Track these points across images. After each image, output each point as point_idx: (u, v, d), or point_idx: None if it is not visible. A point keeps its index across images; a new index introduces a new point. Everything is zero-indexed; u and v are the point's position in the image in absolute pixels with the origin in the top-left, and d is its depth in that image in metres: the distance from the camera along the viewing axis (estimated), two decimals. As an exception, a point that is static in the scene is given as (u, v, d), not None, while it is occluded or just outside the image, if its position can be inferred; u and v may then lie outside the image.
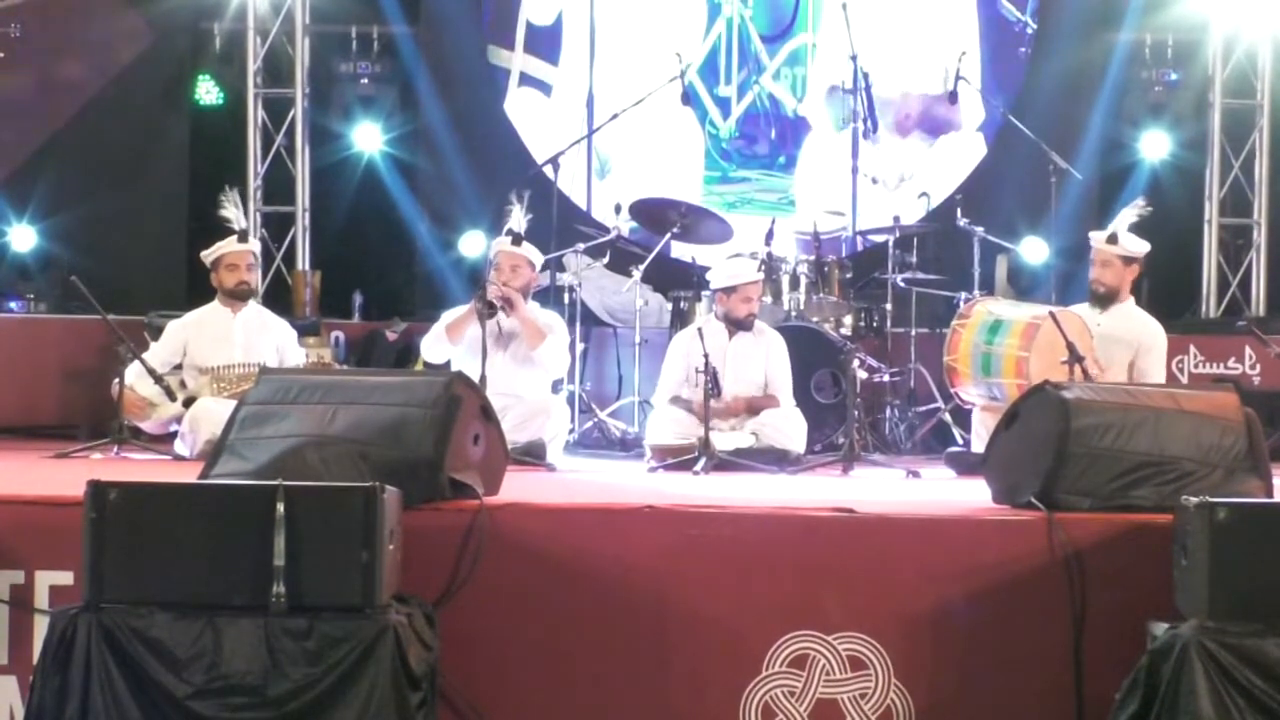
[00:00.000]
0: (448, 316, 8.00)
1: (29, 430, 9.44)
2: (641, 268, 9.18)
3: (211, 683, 4.55)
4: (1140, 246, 7.72)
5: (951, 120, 11.28)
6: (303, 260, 11.25)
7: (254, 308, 8.18)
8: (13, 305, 10.47)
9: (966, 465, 7.37)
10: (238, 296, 8.02)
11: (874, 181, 11.13)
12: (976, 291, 9.28)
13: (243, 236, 8.06)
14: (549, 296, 9.16)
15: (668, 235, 9.44)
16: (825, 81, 11.36)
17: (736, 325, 8.14)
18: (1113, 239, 7.65)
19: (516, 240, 7.97)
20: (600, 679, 5.12)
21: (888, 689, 5.11)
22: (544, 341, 7.87)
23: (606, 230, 9.79)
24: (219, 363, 7.80)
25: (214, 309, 8.09)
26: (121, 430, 7.63)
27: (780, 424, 7.93)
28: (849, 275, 9.50)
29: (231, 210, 8.07)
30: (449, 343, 7.89)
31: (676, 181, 11.27)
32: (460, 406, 5.27)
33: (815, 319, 9.03)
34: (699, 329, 7.86)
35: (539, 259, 8.14)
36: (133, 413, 7.75)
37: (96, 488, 4.62)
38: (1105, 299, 7.69)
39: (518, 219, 7.98)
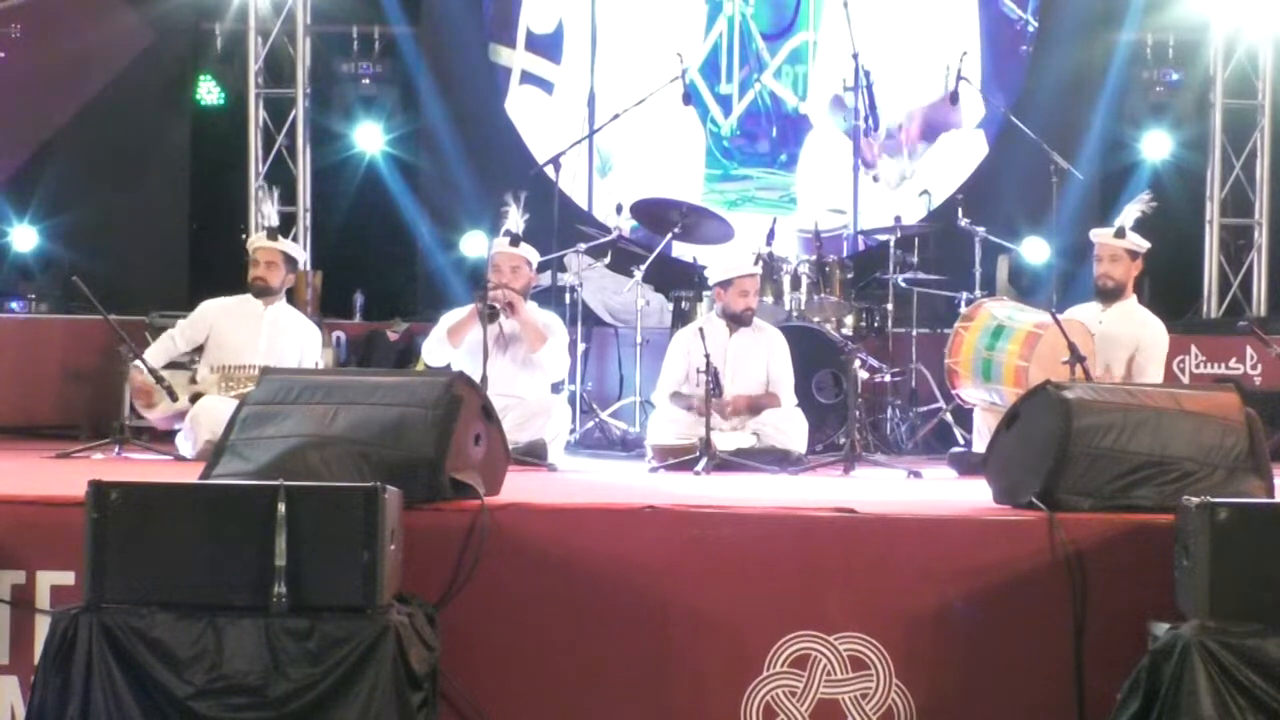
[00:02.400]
0: (448, 319, 8.00)
1: (30, 430, 9.44)
2: (643, 268, 9.18)
3: (212, 683, 4.55)
4: (1144, 242, 7.74)
5: (951, 119, 11.28)
6: (304, 260, 11.24)
7: (283, 307, 8.20)
8: (14, 305, 10.48)
9: (968, 465, 7.37)
10: (254, 293, 8.06)
11: (875, 180, 11.14)
12: (978, 292, 9.29)
13: (271, 233, 8.13)
14: (550, 297, 9.16)
15: (669, 235, 9.44)
16: (826, 79, 11.36)
17: (735, 320, 8.15)
18: (1120, 233, 7.67)
19: (514, 241, 7.98)
20: (601, 679, 5.11)
21: (889, 689, 5.11)
22: (544, 344, 7.88)
23: (608, 230, 9.80)
24: (242, 352, 7.82)
25: (248, 299, 8.12)
26: (123, 430, 7.64)
27: (781, 424, 7.94)
28: (850, 275, 9.50)
29: (267, 205, 8.28)
30: (450, 346, 7.90)
31: (678, 179, 11.29)
32: (461, 406, 5.27)
33: (816, 319, 9.03)
34: (700, 328, 7.86)
35: (536, 258, 8.16)
36: (142, 398, 7.75)
37: (98, 488, 4.62)
38: (1113, 294, 7.70)
39: (515, 220, 7.99)
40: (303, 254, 8.68)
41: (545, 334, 7.93)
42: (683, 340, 8.21)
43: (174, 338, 7.93)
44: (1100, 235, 7.79)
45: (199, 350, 7.98)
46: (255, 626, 4.55)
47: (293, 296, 10.65)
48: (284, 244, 8.24)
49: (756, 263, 8.27)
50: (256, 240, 8.15)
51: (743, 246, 9.12)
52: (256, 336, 7.95)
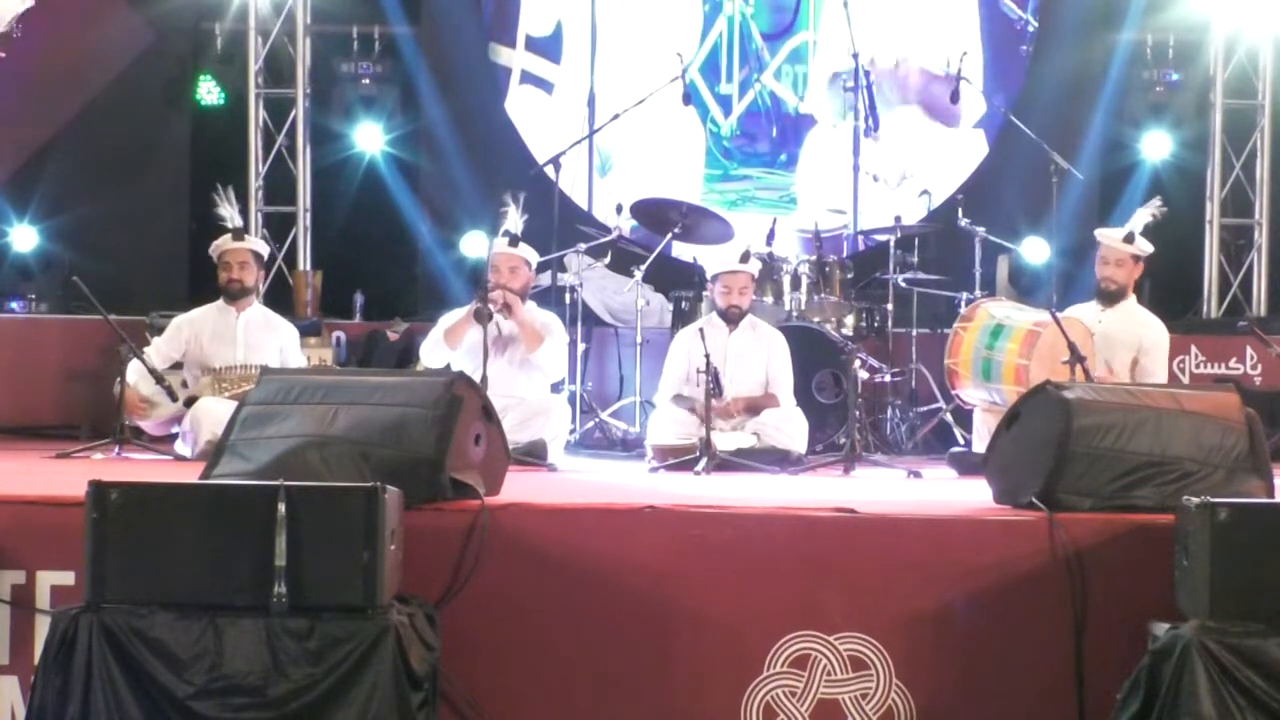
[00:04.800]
0: (445, 321, 8.00)
1: (30, 430, 9.44)
2: (643, 268, 9.18)
3: (213, 683, 4.55)
4: (1149, 247, 7.78)
5: (952, 110, 11.27)
6: (304, 260, 11.25)
7: (258, 308, 8.18)
8: (14, 305, 10.47)
9: (968, 465, 7.37)
10: (228, 295, 8.04)
11: (875, 179, 11.13)
12: (978, 292, 9.29)
13: (237, 234, 8.06)
14: (550, 297, 9.16)
15: (669, 235, 9.44)
16: (826, 79, 11.36)
17: (721, 318, 8.16)
18: (1129, 239, 7.71)
19: (513, 241, 7.98)
20: (601, 679, 5.12)
21: (889, 689, 5.11)
22: (541, 345, 7.89)
23: (608, 230, 9.80)
24: (221, 362, 7.81)
25: (219, 307, 8.09)
26: (122, 430, 7.63)
27: (781, 424, 7.94)
28: (850, 275, 9.50)
29: (226, 208, 8.08)
30: (447, 348, 7.90)
31: (677, 179, 11.28)
32: (461, 406, 5.27)
33: (816, 319, 9.03)
34: (700, 328, 7.87)
35: (535, 258, 8.16)
36: (133, 412, 7.76)
37: (98, 488, 4.62)
38: (1115, 296, 7.76)
39: (513, 220, 7.99)
40: (266, 248, 8.59)
41: (543, 334, 7.93)
42: (683, 340, 8.22)
43: (150, 355, 7.83)
44: (1108, 238, 7.80)
45: (177, 366, 7.95)
46: (255, 626, 4.56)
47: (292, 297, 10.73)
48: (251, 242, 8.21)
49: (744, 260, 8.22)
50: (224, 243, 8.05)
51: (742, 246, 9.12)
52: (234, 343, 7.93)
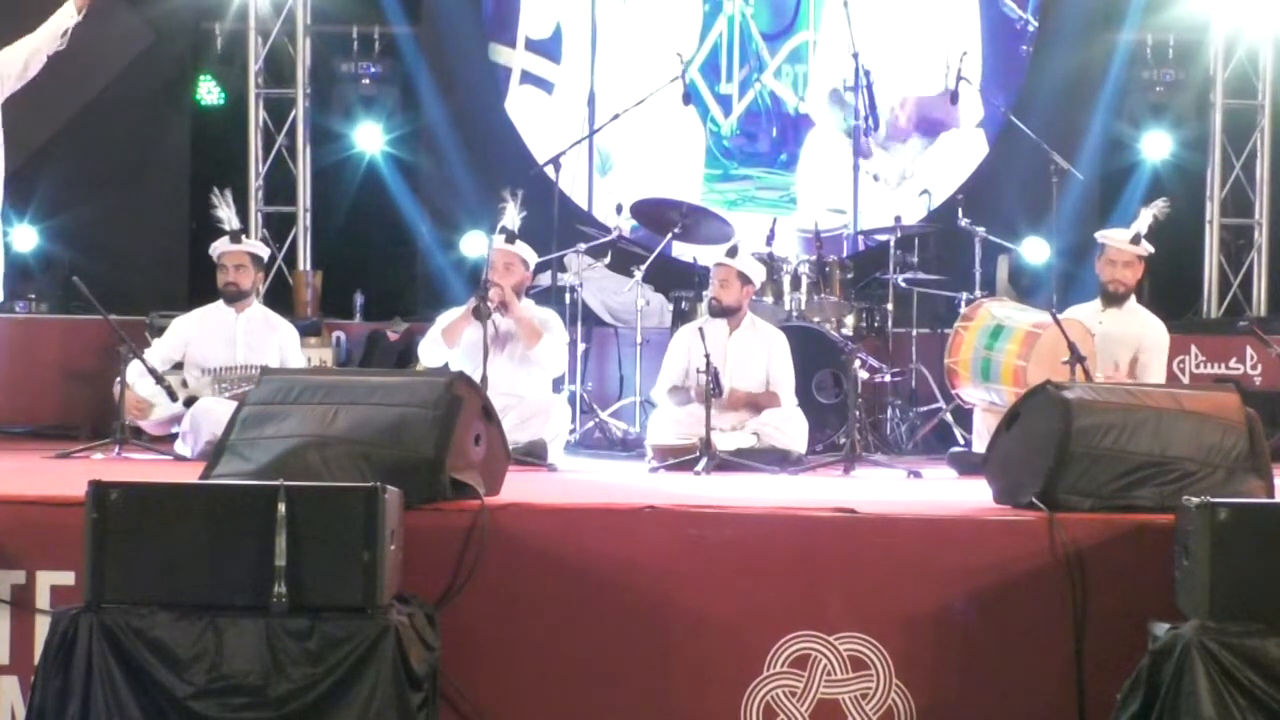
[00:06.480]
0: (443, 320, 8.01)
1: (30, 430, 9.43)
2: (643, 268, 9.18)
3: (213, 683, 4.55)
4: (1150, 246, 7.83)
5: (949, 119, 11.28)
6: (304, 260, 11.25)
7: (258, 308, 8.18)
8: (15, 305, 10.46)
9: (968, 465, 7.38)
10: (226, 298, 8.03)
11: (875, 179, 11.14)
12: (978, 292, 9.28)
13: (234, 237, 8.05)
14: (550, 296, 9.16)
15: (669, 235, 9.44)
16: (826, 79, 11.37)
17: (711, 313, 8.16)
18: (1136, 240, 7.74)
19: (510, 238, 7.98)
20: (602, 679, 5.12)
21: (889, 689, 5.11)
22: (540, 341, 7.89)
23: (608, 230, 9.80)
24: (221, 362, 7.81)
25: (219, 308, 8.09)
26: (123, 430, 7.63)
27: (781, 424, 7.94)
28: (850, 275, 9.50)
29: (223, 210, 8.07)
30: (446, 346, 7.90)
31: (677, 179, 11.28)
32: (461, 407, 5.28)
33: (816, 319, 9.03)
34: (700, 327, 7.87)
35: (533, 257, 8.15)
36: (133, 413, 7.76)
37: (98, 488, 4.62)
38: (1123, 298, 7.80)
39: (511, 217, 7.98)
40: (266, 250, 8.57)
41: (541, 330, 7.93)
42: (683, 338, 8.22)
43: (148, 358, 7.80)
44: (1114, 240, 7.82)
45: (177, 366, 7.95)
46: (255, 626, 4.56)
47: (293, 297, 10.73)
48: (249, 244, 8.19)
49: (731, 255, 8.19)
50: (221, 246, 8.04)
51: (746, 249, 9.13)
52: (234, 344, 7.93)
